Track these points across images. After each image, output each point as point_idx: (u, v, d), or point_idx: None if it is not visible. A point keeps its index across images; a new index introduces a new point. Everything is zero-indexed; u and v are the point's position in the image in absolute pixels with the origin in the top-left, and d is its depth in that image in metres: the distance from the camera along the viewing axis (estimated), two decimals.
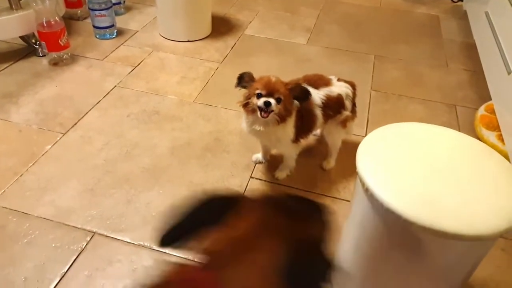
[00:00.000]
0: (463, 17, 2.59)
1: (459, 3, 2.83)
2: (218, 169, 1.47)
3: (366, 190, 0.84)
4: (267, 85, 1.20)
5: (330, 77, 1.38)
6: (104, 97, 1.79)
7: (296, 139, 1.33)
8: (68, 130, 1.59)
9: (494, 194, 0.81)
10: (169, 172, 1.44)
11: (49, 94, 1.78)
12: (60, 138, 1.55)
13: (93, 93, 1.80)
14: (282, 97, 1.20)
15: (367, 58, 2.20)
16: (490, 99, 1.78)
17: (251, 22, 2.50)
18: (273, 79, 1.23)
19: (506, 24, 1.77)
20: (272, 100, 1.18)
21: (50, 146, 1.51)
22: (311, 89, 1.29)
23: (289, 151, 1.40)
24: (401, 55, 2.25)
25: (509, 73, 1.57)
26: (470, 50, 2.27)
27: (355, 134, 1.67)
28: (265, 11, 2.64)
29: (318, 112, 1.31)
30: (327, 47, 2.28)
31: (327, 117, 1.34)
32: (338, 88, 1.35)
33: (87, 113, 1.69)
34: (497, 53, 1.77)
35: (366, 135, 1.71)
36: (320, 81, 1.34)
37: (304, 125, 1.31)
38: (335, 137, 1.45)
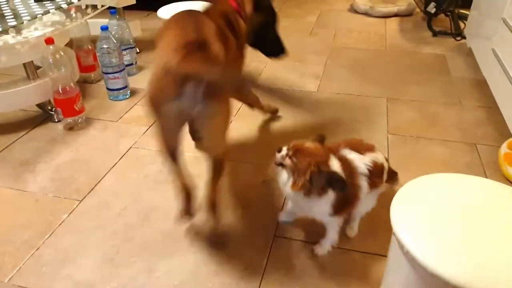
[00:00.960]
0: (469, 54, 2.61)
1: (463, 41, 2.86)
2: (240, 228, 1.41)
3: (406, 253, 0.78)
4: (295, 146, 1.15)
5: (372, 144, 1.30)
6: (120, 159, 1.78)
7: (335, 214, 1.19)
8: (85, 197, 1.56)
9: None
10: (189, 235, 1.39)
11: (65, 160, 1.78)
12: (77, 206, 1.52)
13: (109, 156, 1.80)
14: (296, 161, 1.12)
15: (379, 101, 2.20)
16: (511, 135, 1.74)
17: (260, 74, 2.54)
18: (305, 146, 1.14)
19: None
20: (284, 151, 1.15)
21: (67, 215, 1.48)
22: (355, 155, 1.20)
23: (330, 222, 1.26)
24: (413, 95, 2.24)
25: None
26: (482, 86, 2.25)
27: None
28: (273, 61, 2.68)
29: (364, 183, 1.18)
30: (338, 93, 2.29)
31: (373, 185, 1.21)
32: (381, 156, 1.27)
33: (103, 177, 1.67)
34: (510, 88, 1.75)
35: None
36: (362, 146, 1.25)
37: (345, 199, 1.17)
38: (368, 207, 1.33)
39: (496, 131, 1.92)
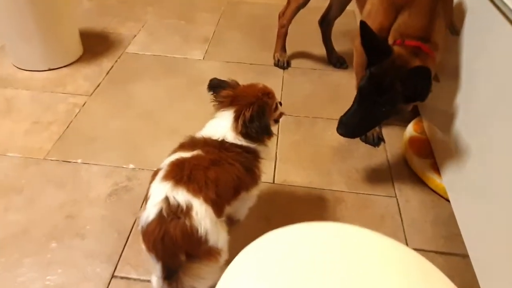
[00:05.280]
0: None
1: None
2: (64, 269, 1.02)
3: None
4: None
5: None
6: None
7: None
8: None
9: None
10: None
11: None
12: None
13: None
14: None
15: (274, 71, 1.84)
16: (418, 113, 1.50)
17: (135, 36, 2.04)
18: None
19: None
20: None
21: None
22: None
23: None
24: (314, 63, 1.92)
25: None
26: None
27: (262, 182, 1.30)
28: (154, 21, 2.19)
29: None
30: (228, 61, 1.89)
31: None
32: None
33: None
34: None
35: (274, 181, 1.36)
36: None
37: None
38: None
39: None
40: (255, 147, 0.95)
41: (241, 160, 0.93)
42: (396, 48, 1.14)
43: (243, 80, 1.75)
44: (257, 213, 1.15)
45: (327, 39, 1.89)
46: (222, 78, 1.02)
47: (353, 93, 1.53)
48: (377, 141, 1.48)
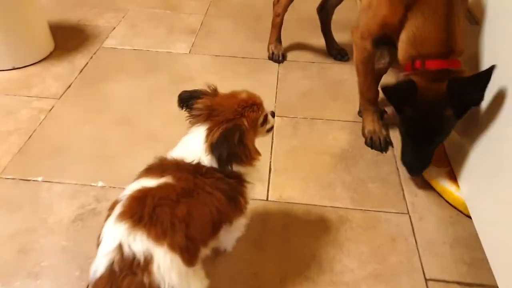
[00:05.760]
0: None
1: None
2: None
3: None
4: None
5: None
6: None
7: None
8: None
9: None
10: None
11: None
12: None
13: None
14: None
15: (268, 65, 1.65)
16: None
17: (115, 28, 1.84)
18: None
19: None
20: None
21: None
22: None
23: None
24: (313, 55, 1.71)
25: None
26: None
27: (254, 199, 1.11)
28: (136, 11, 1.99)
29: None
30: (217, 54, 1.69)
31: None
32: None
33: None
34: None
35: (267, 198, 1.18)
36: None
37: None
38: None
39: None
40: (239, 170, 0.77)
41: (222, 188, 0.75)
42: (418, 81, 1.00)
43: (234, 76, 1.57)
44: (247, 239, 0.97)
45: (326, 29, 1.68)
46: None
47: (356, 89, 1.35)
48: (385, 145, 1.29)
